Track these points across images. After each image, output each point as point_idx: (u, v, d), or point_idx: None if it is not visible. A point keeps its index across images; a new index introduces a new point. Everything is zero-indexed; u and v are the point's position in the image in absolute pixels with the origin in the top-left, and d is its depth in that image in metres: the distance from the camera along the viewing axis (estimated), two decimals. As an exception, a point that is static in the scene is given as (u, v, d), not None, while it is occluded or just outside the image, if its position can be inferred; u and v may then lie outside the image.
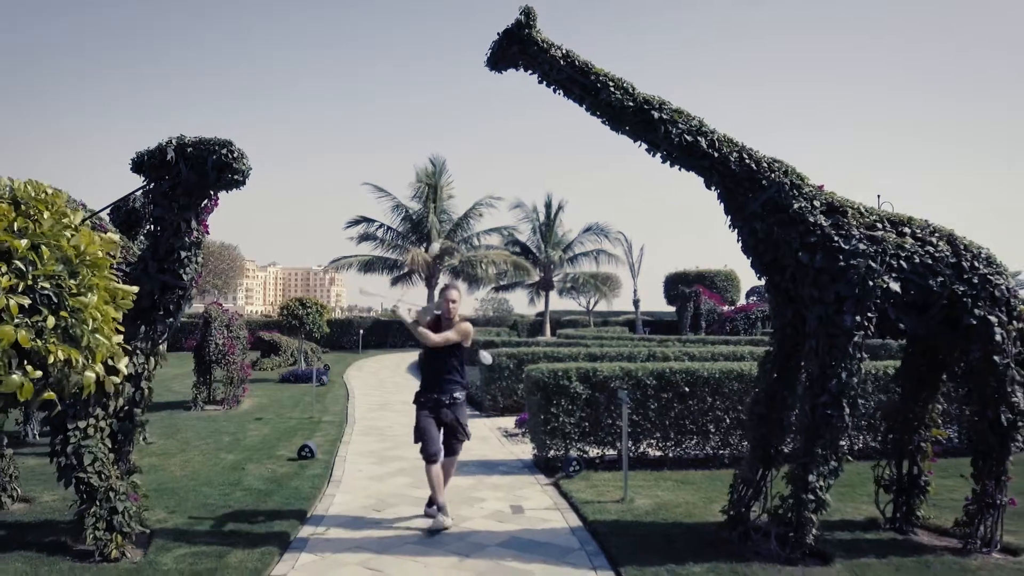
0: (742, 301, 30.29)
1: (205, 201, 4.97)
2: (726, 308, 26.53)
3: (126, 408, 5.18)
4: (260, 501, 6.08)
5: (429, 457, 5.56)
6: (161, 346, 5.38)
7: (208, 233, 5.05)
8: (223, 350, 12.07)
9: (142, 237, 6.24)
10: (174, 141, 4.84)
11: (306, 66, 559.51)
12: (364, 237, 32.40)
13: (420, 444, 5.64)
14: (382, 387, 16.12)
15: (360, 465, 7.74)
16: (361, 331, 26.75)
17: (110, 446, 5.05)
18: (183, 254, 4.86)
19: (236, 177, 4.77)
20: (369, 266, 32.45)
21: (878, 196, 30.98)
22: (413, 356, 24.90)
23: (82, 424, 4.81)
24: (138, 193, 5.18)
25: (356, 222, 32.46)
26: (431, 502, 5.65)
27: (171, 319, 5.01)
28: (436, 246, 30.33)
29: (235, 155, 4.76)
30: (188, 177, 4.80)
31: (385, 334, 33.30)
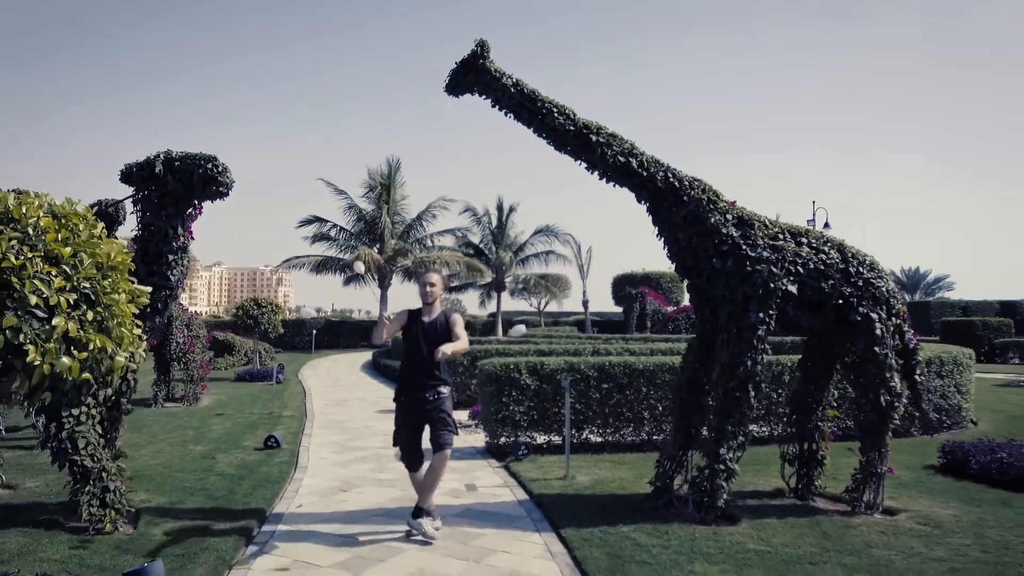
0: (686, 302, 31.55)
1: (190, 210, 5.51)
2: (670, 308, 27.68)
3: (114, 398, 5.67)
4: (234, 484, 6.61)
5: (407, 466, 5.34)
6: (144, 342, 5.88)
7: (193, 238, 5.58)
8: (184, 348, 12.42)
9: (114, 237, 6.71)
10: (162, 155, 5.37)
11: (257, 62, 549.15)
12: (317, 237, 32.63)
13: (398, 451, 5.40)
14: (337, 385, 16.59)
15: (323, 453, 8.30)
16: (314, 331, 27.02)
17: (100, 432, 5.53)
18: (171, 258, 5.40)
19: (221, 189, 5.34)
20: (322, 266, 32.67)
21: (813, 202, 32.64)
22: (366, 356, 25.36)
23: (75, 412, 5.26)
24: (126, 200, 5.68)
25: (308, 221, 32.69)
26: (417, 512, 5.22)
27: (158, 317, 5.53)
28: (388, 246, 30.72)
29: (219, 169, 5.33)
30: (175, 188, 5.34)
31: (337, 334, 33.58)
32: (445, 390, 5.31)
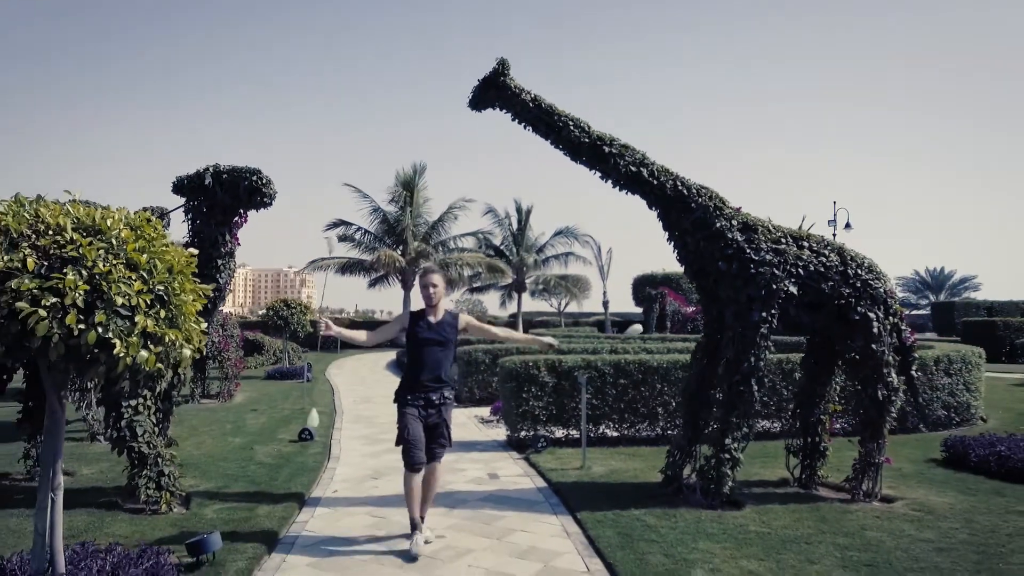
0: (705, 302, 31.62)
1: (236, 218, 6.01)
2: (689, 309, 27.89)
3: (167, 391, 6.19)
4: (273, 472, 7.11)
5: (413, 464, 4.87)
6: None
7: (240, 244, 6.08)
8: (219, 347, 13.00)
9: None
10: (211, 168, 5.88)
11: (281, 64, 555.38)
12: (342, 239, 33.27)
13: (404, 447, 4.93)
14: (364, 383, 17.12)
15: (354, 445, 8.79)
16: (339, 331, 27.66)
17: (154, 422, 6.05)
18: (219, 262, 5.91)
19: (265, 199, 5.83)
20: (347, 268, 33.31)
21: (834, 203, 32.72)
22: (390, 356, 25.86)
23: (133, 403, 5.78)
24: (175, 209, 6.20)
25: (334, 225, 33.34)
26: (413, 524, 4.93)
27: (208, 317, 6.02)
28: (411, 248, 31.25)
29: (263, 181, 5.82)
30: (223, 199, 5.84)
31: (362, 334, 34.06)
32: (450, 396, 5.12)
